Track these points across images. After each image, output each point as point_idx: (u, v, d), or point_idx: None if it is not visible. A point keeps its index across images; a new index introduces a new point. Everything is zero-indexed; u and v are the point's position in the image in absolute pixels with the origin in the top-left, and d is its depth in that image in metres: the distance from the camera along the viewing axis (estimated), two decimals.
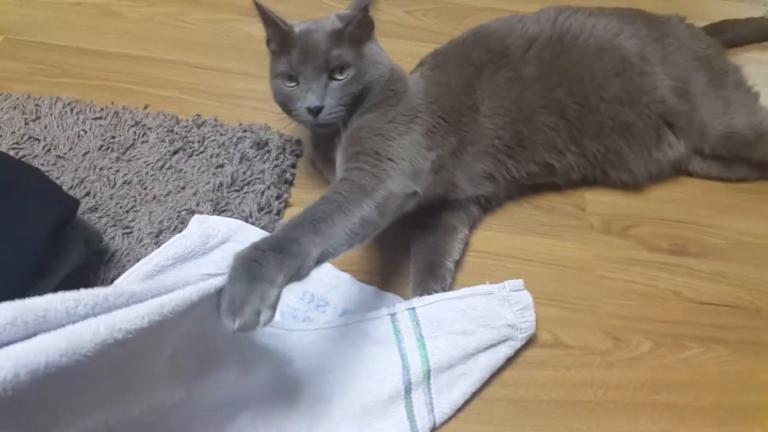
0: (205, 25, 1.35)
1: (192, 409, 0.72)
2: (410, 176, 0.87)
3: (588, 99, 1.01)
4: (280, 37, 0.91)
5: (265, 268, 0.63)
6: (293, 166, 1.09)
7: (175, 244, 0.89)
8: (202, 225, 0.91)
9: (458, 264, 0.98)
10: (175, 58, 1.27)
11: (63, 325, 0.50)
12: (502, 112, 0.98)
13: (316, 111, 0.89)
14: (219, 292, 0.63)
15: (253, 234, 0.93)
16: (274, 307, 0.61)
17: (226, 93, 1.21)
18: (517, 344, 0.88)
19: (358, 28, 0.91)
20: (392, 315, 0.88)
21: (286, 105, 0.93)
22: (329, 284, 0.93)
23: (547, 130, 1.00)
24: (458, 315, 0.87)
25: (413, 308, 0.88)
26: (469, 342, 0.85)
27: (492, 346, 0.86)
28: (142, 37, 1.31)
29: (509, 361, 0.88)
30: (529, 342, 0.90)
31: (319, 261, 0.70)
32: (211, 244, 0.90)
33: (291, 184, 1.07)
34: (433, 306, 0.88)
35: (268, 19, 0.90)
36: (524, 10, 1.12)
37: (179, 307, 0.58)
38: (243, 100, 1.20)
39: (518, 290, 0.90)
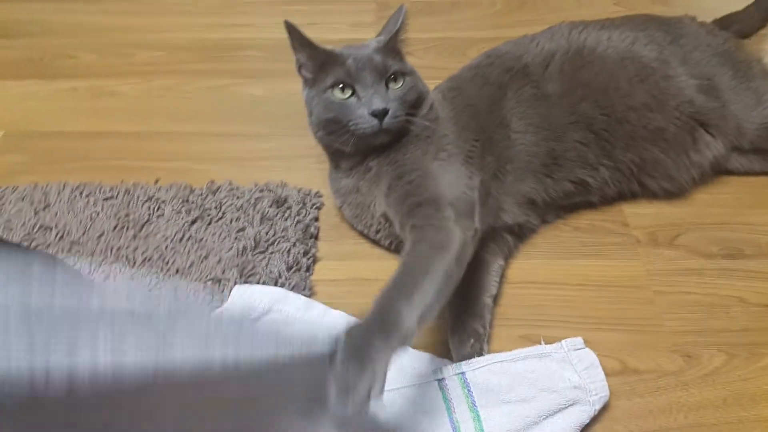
0: (205, 93, 1.33)
1: None
2: (468, 214, 0.85)
3: (615, 109, 0.98)
4: (319, 60, 0.92)
5: (374, 351, 0.63)
6: (316, 219, 1.04)
7: None
8: (243, 296, 0.86)
9: (498, 298, 0.93)
10: (180, 129, 1.24)
11: None
12: (533, 129, 0.96)
13: (382, 114, 0.87)
14: (325, 361, 0.61)
15: (296, 302, 0.88)
16: (382, 393, 0.62)
17: (236, 156, 1.18)
18: (590, 409, 0.78)
19: (400, 45, 0.95)
20: (440, 381, 0.80)
21: (339, 119, 0.90)
22: None
23: (579, 146, 0.97)
24: (514, 380, 0.79)
25: (462, 372, 0.80)
26: (529, 410, 0.77)
27: (557, 411, 0.77)
28: (143, 113, 1.29)
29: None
30: None
31: (418, 328, 0.70)
32: (253, 317, 0.84)
33: (316, 238, 1.02)
34: (484, 370, 0.80)
35: (305, 42, 0.91)
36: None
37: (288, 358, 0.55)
38: (255, 160, 1.17)
39: (579, 349, 0.82)
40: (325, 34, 0.98)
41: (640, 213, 1.04)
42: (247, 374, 0.51)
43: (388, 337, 0.65)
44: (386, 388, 0.79)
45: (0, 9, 1.58)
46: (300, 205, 1.04)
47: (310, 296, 0.93)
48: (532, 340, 0.87)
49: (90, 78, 1.37)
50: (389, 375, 0.77)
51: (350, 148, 0.92)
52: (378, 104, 0.87)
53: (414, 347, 0.86)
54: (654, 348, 0.87)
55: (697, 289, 0.94)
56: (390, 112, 0.88)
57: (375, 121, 0.87)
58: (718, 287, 0.94)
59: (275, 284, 0.92)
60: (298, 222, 1.01)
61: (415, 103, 0.92)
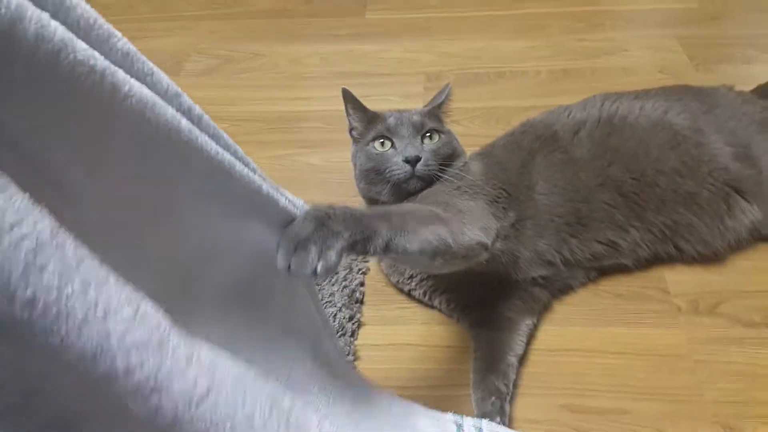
0: (268, 162, 1.42)
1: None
2: (480, 229, 0.88)
3: (644, 173, 1.01)
4: (367, 121, 1.02)
5: (333, 221, 0.61)
6: (362, 284, 1.10)
7: None
8: None
9: (538, 365, 0.96)
10: None
11: None
12: (558, 191, 1.00)
13: (414, 161, 0.94)
14: (283, 212, 0.60)
15: None
16: (337, 258, 0.59)
17: None
18: None
19: (441, 114, 1.06)
20: (459, 425, 0.81)
21: (377, 168, 0.97)
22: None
23: (606, 207, 1.00)
24: None
25: (480, 428, 0.81)
26: None
27: None
28: None
29: None
30: None
31: (388, 248, 0.66)
32: None
33: (362, 302, 1.07)
34: None
35: (358, 106, 1.03)
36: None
37: (241, 181, 0.53)
38: None
39: None
40: (378, 104, 1.07)
41: (682, 280, 1.05)
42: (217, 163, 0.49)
43: (352, 222, 0.63)
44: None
45: None
46: (347, 270, 1.10)
47: (354, 361, 0.97)
48: (573, 410, 0.89)
49: None
50: None
51: (388, 197, 0.99)
52: (411, 152, 0.95)
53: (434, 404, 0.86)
54: (694, 418, 0.87)
55: (738, 358, 0.94)
56: (422, 160, 0.95)
57: (408, 167, 0.94)
58: (760, 357, 0.93)
59: None
60: (344, 287, 1.07)
61: (448, 157, 0.99)
